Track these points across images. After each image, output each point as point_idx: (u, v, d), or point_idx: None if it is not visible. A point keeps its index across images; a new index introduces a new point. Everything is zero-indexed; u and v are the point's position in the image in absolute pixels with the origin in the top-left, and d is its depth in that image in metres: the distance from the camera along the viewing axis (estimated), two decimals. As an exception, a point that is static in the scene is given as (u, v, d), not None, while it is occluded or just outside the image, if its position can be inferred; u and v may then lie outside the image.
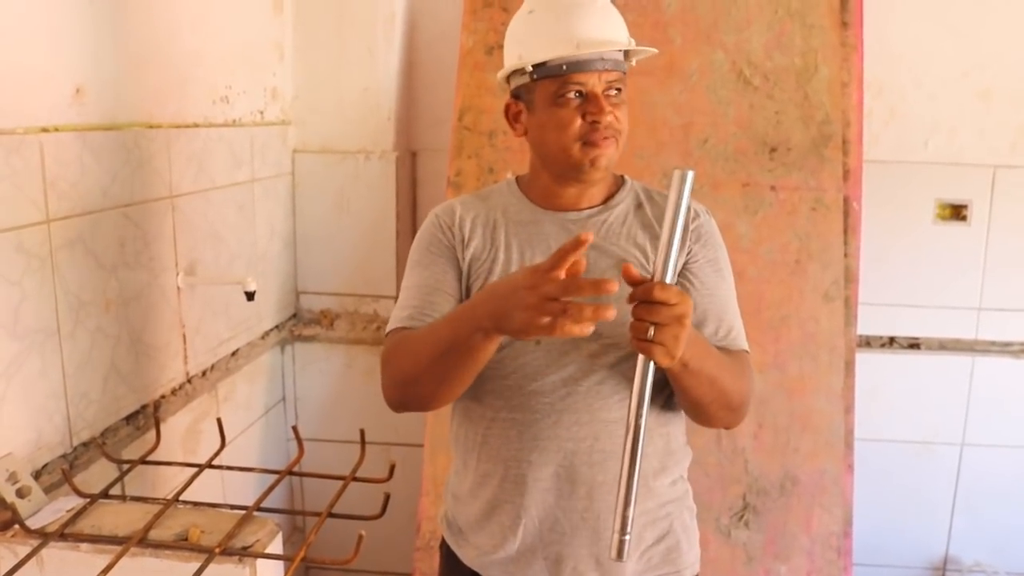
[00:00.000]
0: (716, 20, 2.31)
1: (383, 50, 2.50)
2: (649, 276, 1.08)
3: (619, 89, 1.32)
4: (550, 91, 1.31)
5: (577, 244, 1.01)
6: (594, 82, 1.29)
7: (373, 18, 2.48)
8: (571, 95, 1.30)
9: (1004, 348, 2.55)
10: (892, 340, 2.58)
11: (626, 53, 1.35)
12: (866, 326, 2.49)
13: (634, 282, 1.07)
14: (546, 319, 1.02)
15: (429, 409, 1.34)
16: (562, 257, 1.02)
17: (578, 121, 1.30)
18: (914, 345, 2.58)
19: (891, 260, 2.52)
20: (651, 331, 1.06)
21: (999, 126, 2.46)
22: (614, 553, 1.12)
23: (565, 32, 1.30)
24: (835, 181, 2.29)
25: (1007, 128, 2.46)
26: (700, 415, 1.32)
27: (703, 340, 1.24)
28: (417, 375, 1.26)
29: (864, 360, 2.41)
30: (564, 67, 1.29)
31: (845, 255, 2.28)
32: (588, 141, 1.30)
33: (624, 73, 1.34)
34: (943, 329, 2.56)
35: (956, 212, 2.51)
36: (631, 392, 1.10)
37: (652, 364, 1.09)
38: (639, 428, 1.10)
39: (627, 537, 1.11)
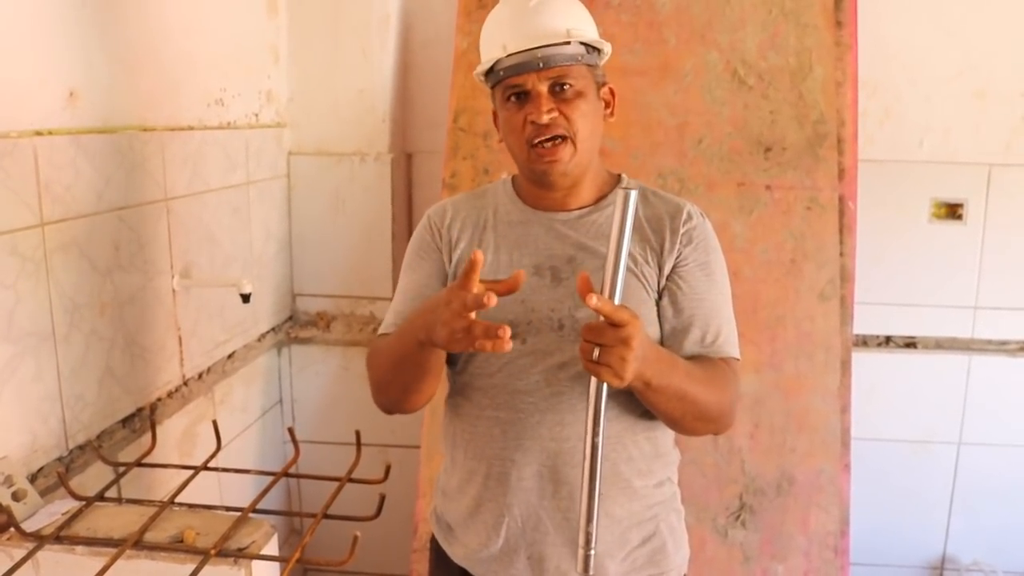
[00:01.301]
0: (710, 20, 2.31)
1: (378, 52, 2.50)
2: (611, 287, 1.08)
3: (568, 85, 1.29)
4: (499, 96, 1.33)
5: (473, 265, 1.08)
6: (532, 82, 1.28)
7: (367, 20, 2.48)
8: (512, 98, 1.31)
9: (1000, 347, 2.55)
10: (888, 339, 2.59)
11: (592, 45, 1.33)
12: (862, 325, 2.49)
13: (587, 294, 1.08)
14: (460, 335, 1.07)
15: (407, 412, 1.36)
16: (467, 275, 1.07)
17: (522, 124, 1.30)
18: (910, 344, 2.58)
19: (887, 259, 2.52)
20: (596, 352, 1.07)
21: (994, 125, 2.46)
22: (580, 568, 1.15)
23: (498, 36, 1.31)
24: (830, 180, 2.29)
25: (1002, 127, 2.46)
26: (676, 427, 1.32)
27: (667, 356, 1.22)
28: (383, 383, 1.33)
29: (861, 359, 2.41)
30: (501, 72, 1.30)
31: (840, 254, 2.28)
32: (533, 144, 1.30)
33: (587, 65, 1.31)
34: (939, 328, 2.56)
35: (952, 211, 2.51)
36: (587, 409, 1.12)
37: (605, 384, 1.11)
38: (596, 447, 1.12)
39: (592, 552, 1.14)
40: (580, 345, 1.09)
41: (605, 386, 1.11)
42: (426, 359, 1.21)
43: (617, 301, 1.08)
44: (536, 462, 1.32)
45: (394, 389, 1.31)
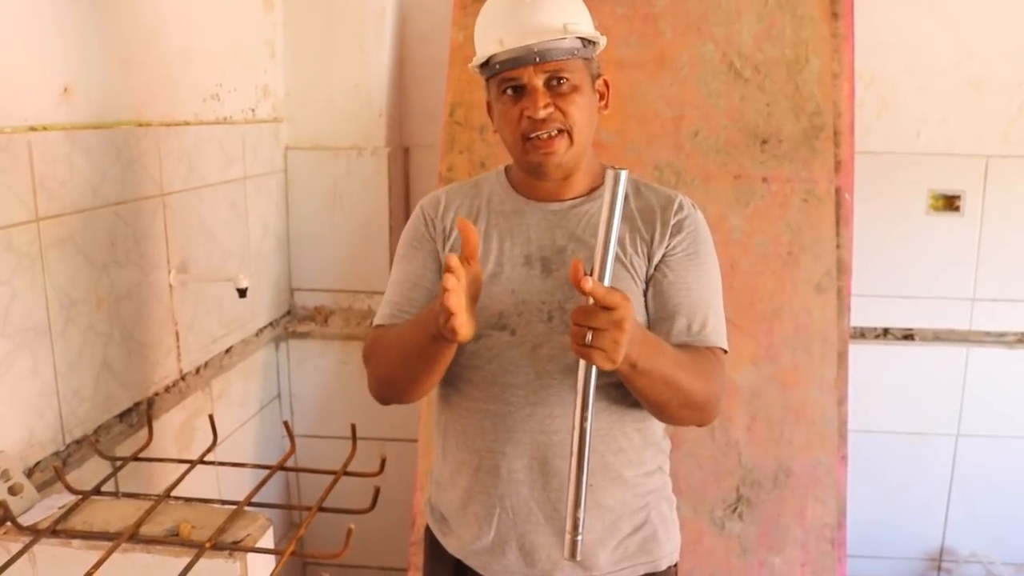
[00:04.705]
0: (706, 12, 2.31)
1: (374, 46, 2.50)
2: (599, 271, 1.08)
3: (565, 79, 1.29)
4: (495, 88, 1.33)
5: (467, 238, 1.15)
6: (528, 76, 1.28)
7: (363, 15, 2.48)
8: (508, 91, 1.30)
9: (998, 338, 2.55)
10: (886, 331, 2.59)
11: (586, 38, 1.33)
12: (860, 317, 2.49)
13: (579, 279, 1.07)
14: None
15: (407, 402, 1.37)
16: (464, 252, 1.11)
17: (518, 117, 1.30)
18: (908, 336, 2.58)
19: (884, 251, 2.52)
20: (589, 336, 1.06)
21: (991, 116, 2.46)
22: (567, 553, 1.14)
23: (494, 30, 1.30)
24: (827, 172, 2.29)
25: (999, 117, 2.46)
26: (661, 414, 1.30)
27: (654, 340, 1.22)
28: (390, 376, 1.32)
29: (858, 351, 2.42)
30: (497, 65, 1.30)
31: (837, 246, 2.28)
32: (529, 138, 1.30)
33: (583, 59, 1.31)
34: (937, 320, 2.56)
35: (949, 202, 2.51)
36: (575, 396, 1.12)
37: (594, 368, 1.10)
38: (584, 431, 1.11)
39: (579, 538, 1.14)
40: (571, 330, 1.08)
41: (594, 370, 1.11)
42: (440, 351, 1.22)
43: (607, 283, 1.08)
44: (527, 454, 1.33)
45: (401, 381, 1.31)
